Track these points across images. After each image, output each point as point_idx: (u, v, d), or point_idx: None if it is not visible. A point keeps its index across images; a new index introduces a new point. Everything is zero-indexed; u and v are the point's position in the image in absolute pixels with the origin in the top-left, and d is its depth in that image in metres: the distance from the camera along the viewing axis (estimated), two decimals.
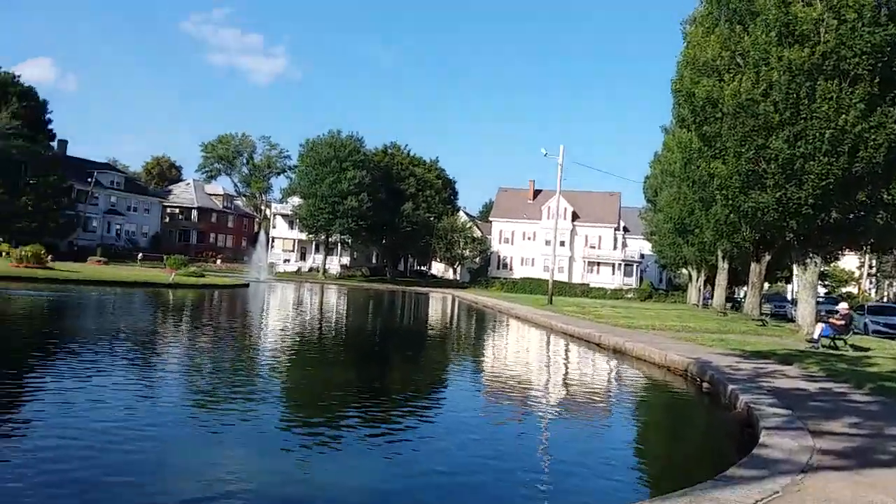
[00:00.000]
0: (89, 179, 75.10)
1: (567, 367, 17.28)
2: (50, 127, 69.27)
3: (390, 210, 76.01)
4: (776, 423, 7.83)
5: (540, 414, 10.25)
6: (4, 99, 59.70)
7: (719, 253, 45.44)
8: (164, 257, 67.09)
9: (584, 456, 7.67)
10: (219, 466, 6.33)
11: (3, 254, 42.00)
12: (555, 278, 51.45)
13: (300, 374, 13.00)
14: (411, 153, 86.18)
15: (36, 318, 19.12)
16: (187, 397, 9.63)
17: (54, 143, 70.64)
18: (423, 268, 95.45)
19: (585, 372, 16.29)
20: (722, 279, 47.43)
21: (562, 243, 79.05)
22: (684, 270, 71.86)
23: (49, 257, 37.53)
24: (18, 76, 65.42)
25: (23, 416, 7.61)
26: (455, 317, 36.12)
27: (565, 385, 13.69)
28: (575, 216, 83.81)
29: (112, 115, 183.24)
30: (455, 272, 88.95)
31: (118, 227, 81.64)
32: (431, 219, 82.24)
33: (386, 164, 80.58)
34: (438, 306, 44.86)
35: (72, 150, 79.06)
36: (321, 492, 5.92)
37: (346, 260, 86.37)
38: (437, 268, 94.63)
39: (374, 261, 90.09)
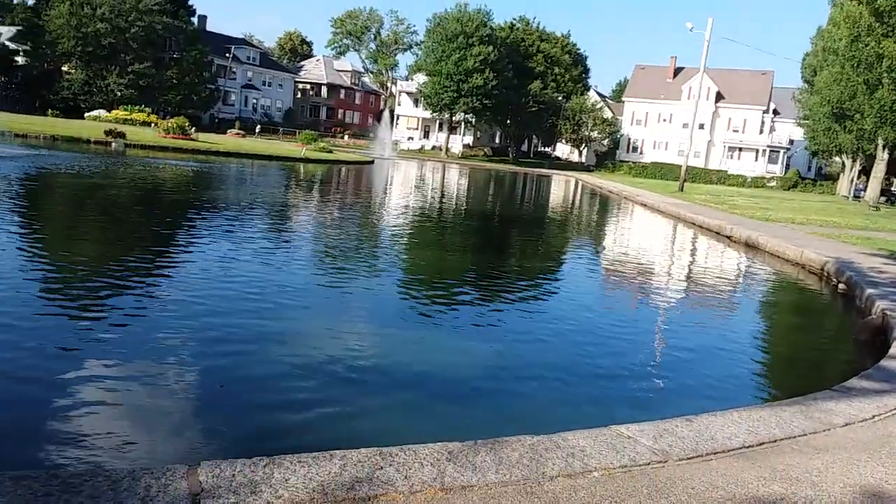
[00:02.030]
0: (227, 55, 78.01)
1: (692, 260, 16.53)
2: (190, 2, 71.64)
3: (516, 89, 73.73)
4: None
5: (657, 305, 9.93)
6: None
7: (879, 142, 40.89)
8: (281, 131, 69.87)
9: (700, 351, 7.40)
10: (337, 336, 6.60)
11: (152, 125, 45.21)
12: (689, 164, 48.57)
13: (419, 251, 13.32)
14: (541, 27, 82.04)
15: (182, 187, 20.67)
16: (313, 268, 10.12)
17: (194, 19, 73.24)
18: (547, 149, 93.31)
19: (711, 265, 15.51)
20: (879, 171, 42.97)
21: (701, 126, 73.87)
22: (837, 159, 65.69)
23: (192, 129, 40.04)
24: None
25: (166, 277, 8.33)
26: (576, 202, 35.34)
27: (687, 277, 13.13)
28: (719, 97, 77.49)
29: None
30: (581, 155, 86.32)
31: (255, 101, 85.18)
32: (560, 98, 79.16)
33: (513, 40, 77.38)
34: (560, 190, 44.03)
35: (210, 26, 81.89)
36: (431, 367, 6.06)
37: (468, 139, 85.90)
38: (562, 150, 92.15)
39: (497, 141, 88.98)
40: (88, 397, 4.52)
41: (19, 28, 63.39)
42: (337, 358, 5.82)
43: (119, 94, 57.86)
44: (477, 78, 68.63)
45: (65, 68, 60.64)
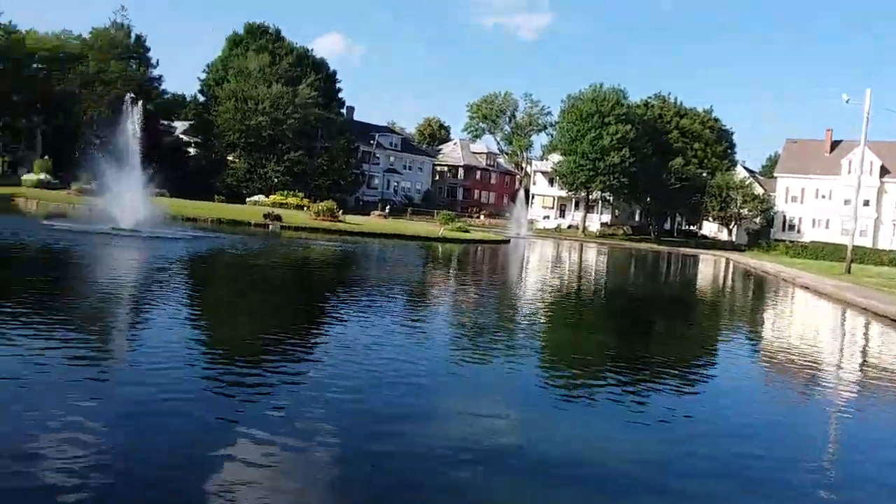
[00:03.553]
0: (372, 141, 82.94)
1: (864, 351, 14.49)
2: (340, 95, 77.39)
3: (656, 166, 72.01)
4: None
5: (827, 402, 8.58)
6: (303, 72, 67.89)
7: None
8: (409, 211, 71.36)
9: (881, 463, 6.17)
10: (478, 418, 6.39)
11: (304, 208, 48.22)
12: (855, 243, 44.30)
13: (559, 332, 12.83)
14: (679, 103, 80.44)
15: (330, 265, 21.49)
16: (452, 347, 10.01)
17: (343, 110, 78.86)
18: (692, 227, 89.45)
19: (886, 359, 13.47)
20: None
21: (866, 202, 67.73)
22: None
23: (340, 212, 42.19)
24: (311, 50, 74.03)
25: (311, 351, 8.63)
26: (728, 283, 33.00)
27: (860, 372, 11.40)
28: (884, 171, 71.11)
29: (390, 81, 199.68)
30: (730, 233, 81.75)
31: (396, 183, 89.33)
32: (704, 174, 76.24)
33: (650, 117, 76.26)
34: (709, 270, 41.51)
35: (357, 115, 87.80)
36: (575, 454, 5.67)
37: (606, 218, 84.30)
38: (709, 228, 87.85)
39: (637, 219, 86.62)
40: (239, 470, 4.61)
41: (191, 123, 71.20)
42: (481, 441, 5.64)
43: (276, 180, 62.72)
44: (614, 156, 67.81)
45: (230, 158, 66.88)
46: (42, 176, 43.45)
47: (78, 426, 5.04)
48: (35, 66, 67.24)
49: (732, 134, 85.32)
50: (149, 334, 8.71)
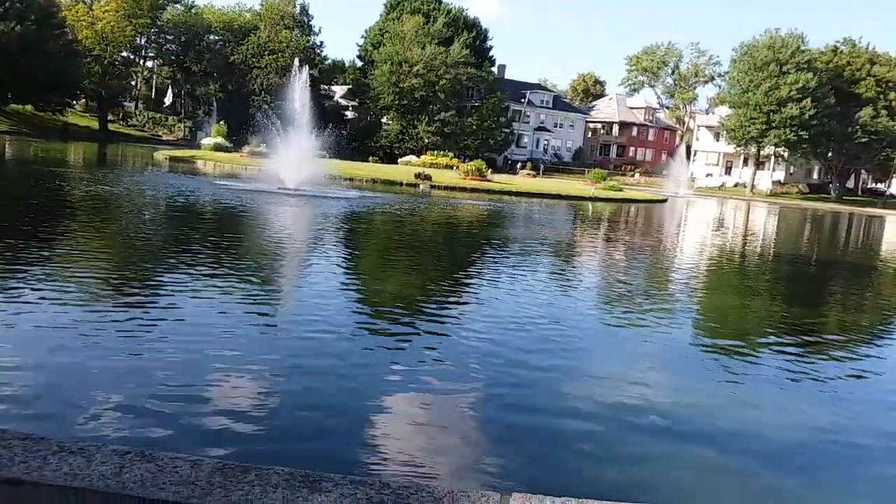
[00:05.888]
0: (522, 100, 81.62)
1: None
2: (491, 54, 76.69)
3: (839, 118, 64.61)
4: None
5: None
6: (456, 31, 67.91)
7: None
8: (541, 167, 67.48)
9: None
10: (631, 380, 6.10)
11: (454, 168, 48.65)
12: None
13: (716, 298, 11.83)
14: (871, 48, 71.15)
15: (478, 224, 21.50)
16: (599, 309, 9.65)
17: (494, 69, 78.11)
18: (879, 186, 79.88)
19: None
20: None
21: None
22: None
23: (489, 171, 42.07)
24: (466, 10, 73.71)
25: (459, 309, 8.55)
26: None
27: None
28: None
29: (545, 36, 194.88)
30: None
31: (545, 142, 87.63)
32: None
33: (836, 65, 68.21)
34: None
35: (509, 74, 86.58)
36: (736, 425, 5.32)
37: (779, 175, 77.34)
38: None
39: (815, 176, 78.73)
40: (403, 414, 4.83)
41: (349, 87, 73.93)
42: (629, 406, 5.35)
43: (426, 140, 63.92)
44: (792, 108, 61.61)
45: (384, 120, 68.99)
46: (218, 140, 47.28)
47: (246, 371, 5.29)
48: (212, 37, 72.71)
49: None
50: (308, 286, 9.20)
